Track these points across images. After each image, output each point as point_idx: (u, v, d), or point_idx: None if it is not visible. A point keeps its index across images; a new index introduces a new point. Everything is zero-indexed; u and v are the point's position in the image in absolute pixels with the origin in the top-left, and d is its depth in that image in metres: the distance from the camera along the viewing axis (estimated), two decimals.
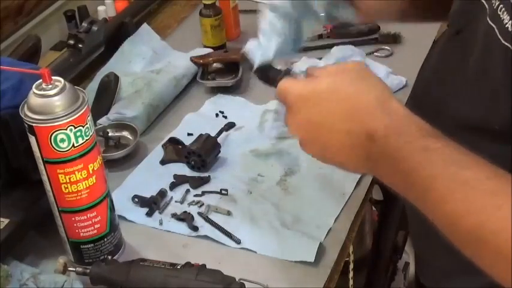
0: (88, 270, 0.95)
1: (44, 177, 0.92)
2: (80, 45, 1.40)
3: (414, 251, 1.09)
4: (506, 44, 0.70)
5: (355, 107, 0.72)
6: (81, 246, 0.98)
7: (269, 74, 0.86)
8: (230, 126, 1.29)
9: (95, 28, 1.43)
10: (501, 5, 0.71)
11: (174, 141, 1.26)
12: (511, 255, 0.60)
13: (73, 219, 0.95)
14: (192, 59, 1.45)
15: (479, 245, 0.63)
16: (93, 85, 1.38)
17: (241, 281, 0.92)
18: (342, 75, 0.75)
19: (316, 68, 0.80)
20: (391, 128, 0.69)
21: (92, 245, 0.98)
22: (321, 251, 1.01)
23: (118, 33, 1.52)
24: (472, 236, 0.63)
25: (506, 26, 0.70)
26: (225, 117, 1.34)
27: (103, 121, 1.28)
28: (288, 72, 0.83)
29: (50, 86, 0.87)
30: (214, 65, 1.47)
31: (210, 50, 1.51)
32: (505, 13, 0.70)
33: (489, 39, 0.73)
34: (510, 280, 0.62)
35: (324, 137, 0.74)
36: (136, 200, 1.13)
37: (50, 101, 0.86)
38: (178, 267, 0.92)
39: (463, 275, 0.84)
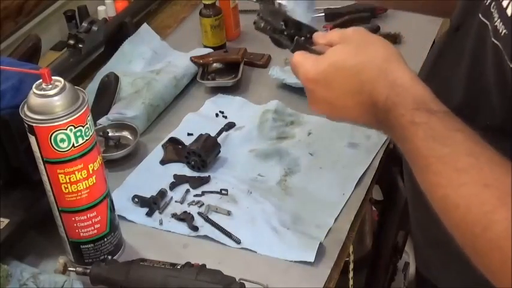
0: (88, 270, 0.95)
1: (44, 177, 0.92)
2: (80, 45, 1.40)
3: (414, 244, 1.10)
4: (495, 41, 0.70)
5: (361, 80, 0.78)
6: (81, 246, 0.98)
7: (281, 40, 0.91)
8: (230, 126, 1.29)
9: (95, 28, 1.43)
10: (493, 2, 0.71)
11: (174, 141, 1.26)
12: (467, 230, 0.66)
13: (73, 219, 0.95)
14: (192, 59, 1.45)
15: (445, 216, 0.69)
16: (93, 85, 1.38)
17: (241, 281, 0.92)
18: (344, 49, 0.81)
19: (320, 35, 0.88)
20: (390, 99, 0.75)
21: (92, 245, 0.98)
22: (321, 251, 1.01)
23: (118, 33, 1.52)
24: (440, 205, 0.70)
25: (495, 24, 0.70)
26: (225, 117, 1.34)
27: (103, 121, 1.28)
28: (299, 43, 0.88)
29: (50, 86, 0.87)
30: (214, 65, 1.47)
31: (210, 50, 1.51)
32: (496, 11, 0.70)
33: (482, 36, 0.73)
34: (468, 252, 0.67)
35: (340, 112, 0.83)
36: (136, 200, 1.12)
37: (50, 101, 0.86)
38: (178, 267, 0.92)
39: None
